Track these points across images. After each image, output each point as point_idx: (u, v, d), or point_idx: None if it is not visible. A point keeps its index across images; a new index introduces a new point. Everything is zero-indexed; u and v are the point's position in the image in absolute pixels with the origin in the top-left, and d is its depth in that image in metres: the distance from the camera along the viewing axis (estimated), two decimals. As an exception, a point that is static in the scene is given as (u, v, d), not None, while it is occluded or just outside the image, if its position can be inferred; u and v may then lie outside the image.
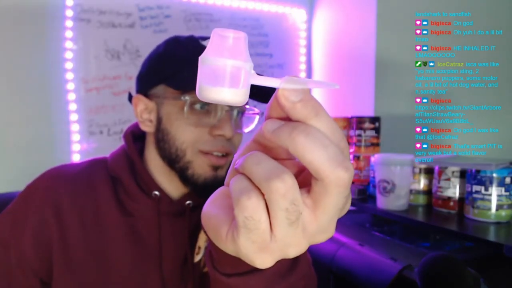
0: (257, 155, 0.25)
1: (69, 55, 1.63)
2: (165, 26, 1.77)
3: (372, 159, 1.25)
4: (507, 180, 0.96)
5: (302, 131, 0.23)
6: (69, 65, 1.63)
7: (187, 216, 0.65)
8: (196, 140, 0.61)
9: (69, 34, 1.62)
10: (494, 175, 0.95)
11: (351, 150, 1.38)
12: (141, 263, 0.61)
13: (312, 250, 1.09)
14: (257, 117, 0.67)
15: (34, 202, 0.62)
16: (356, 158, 1.34)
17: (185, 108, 0.60)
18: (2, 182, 1.50)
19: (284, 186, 0.23)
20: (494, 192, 0.95)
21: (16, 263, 0.58)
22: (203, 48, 0.61)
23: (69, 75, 1.64)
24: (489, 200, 0.96)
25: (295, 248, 0.25)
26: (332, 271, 0.98)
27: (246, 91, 0.26)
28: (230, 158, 0.64)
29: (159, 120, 0.63)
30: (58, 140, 1.64)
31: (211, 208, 0.29)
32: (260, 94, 0.63)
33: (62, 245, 0.59)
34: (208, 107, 0.61)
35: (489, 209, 0.96)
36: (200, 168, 0.61)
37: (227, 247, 0.26)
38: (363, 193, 1.27)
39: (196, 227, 0.66)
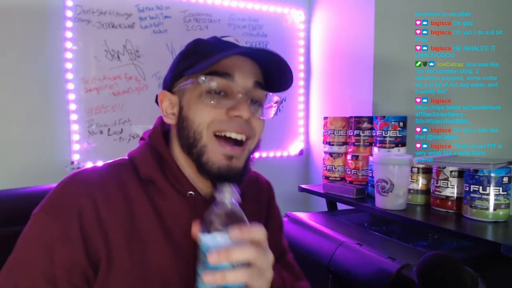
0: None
1: (69, 55, 1.63)
2: (164, 26, 1.78)
3: (371, 158, 1.25)
4: (505, 179, 0.96)
5: None
6: (69, 65, 1.64)
7: None
8: (212, 120, 0.61)
9: (69, 34, 1.63)
10: (492, 174, 0.96)
11: (350, 150, 1.38)
12: (180, 266, 0.61)
13: (311, 250, 1.10)
14: (276, 104, 0.69)
15: (73, 208, 0.58)
16: (355, 157, 1.35)
17: (203, 89, 0.61)
18: (2, 181, 1.51)
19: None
20: (492, 191, 0.96)
21: (64, 266, 0.56)
22: (223, 42, 0.65)
23: (69, 75, 1.64)
24: (487, 200, 0.96)
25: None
26: (331, 270, 0.99)
27: None
28: (249, 144, 0.64)
29: (180, 110, 0.64)
30: (58, 140, 1.65)
31: None
32: (276, 86, 0.68)
33: (106, 251, 0.58)
34: (226, 91, 0.62)
35: (487, 208, 0.96)
36: (214, 155, 0.61)
37: None
38: (362, 192, 1.27)
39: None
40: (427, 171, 1.14)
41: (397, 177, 1.08)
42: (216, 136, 0.61)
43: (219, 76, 0.61)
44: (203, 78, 0.60)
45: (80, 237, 0.56)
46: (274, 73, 0.65)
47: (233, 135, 0.61)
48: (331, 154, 1.44)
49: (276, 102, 0.69)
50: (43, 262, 0.55)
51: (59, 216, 0.57)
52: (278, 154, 2.07)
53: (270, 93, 0.67)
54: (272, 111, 0.69)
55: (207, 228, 0.51)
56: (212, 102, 0.61)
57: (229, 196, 0.53)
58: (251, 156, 0.66)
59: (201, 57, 0.62)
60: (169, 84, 0.67)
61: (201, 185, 0.65)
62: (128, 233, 0.59)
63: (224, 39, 0.67)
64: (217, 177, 0.61)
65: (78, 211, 0.57)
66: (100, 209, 0.58)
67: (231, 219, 0.51)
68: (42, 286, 0.54)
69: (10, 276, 0.55)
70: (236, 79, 0.62)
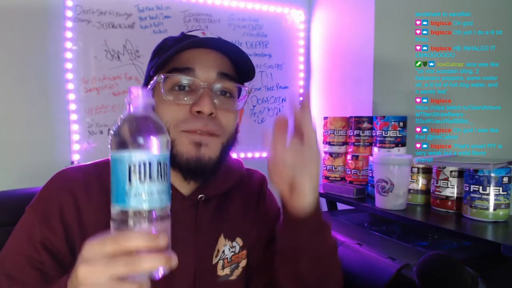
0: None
1: (69, 55, 1.64)
2: (164, 26, 1.78)
3: (371, 158, 1.25)
4: (505, 179, 0.96)
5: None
6: (69, 65, 1.64)
7: (199, 210, 0.66)
8: (177, 119, 0.60)
9: (69, 34, 1.63)
10: (492, 174, 0.95)
11: (350, 150, 1.39)
12: None
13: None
14: (245, 94, 0.68)
15: (55, 202, 0.61)
16: (355, 157, 1.35)
17: (162, 88, 0.60)
18: (3, 180, 1.51)
19: None
20: (492, 191, 0.96)
21: (47, 251, 0.58)
22: (187, 37, 0.64)
23: (69, 75, 1.64)
24: (487, 200, 0.96)
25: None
26: (331, 270, 0.99)
27: None
28: (221, 137, 0.63)
29: (152, 110, 0.65)
30: (58, 140, 1.65)
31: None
32: (246, 76, 0.67)
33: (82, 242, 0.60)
34: (189, 86, 0.61)
35: (487, 208, 0.96)
36: (183, 146, 0.60)
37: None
38: (362, 192, 1.27)
39: (212, 220, 0.67)
40: (427, 171, 1.14)
41: (397, 177, 1.08)
42: (183, 131, 0.61)
43: (179, 72, 0.61)
44: (161, 76, 0.61)
45: (61, 227, 0.59)
46: (240, 62, 0.64)
47: (198, 133, 0.61)
48: (331, 154, 1.44)
49: (246, 93, 0.68)
50: (27, 249, 0.58)
51: (41, 209, 0.61)
52: (278, 154, 2.07)
53: (238, 84, 0.65)
54: (242, 103, 0.68)
55: (126, 143, 0.42)
56: (173, 99, 0.60)
57: (140, 98, 0.44)
58: (227, 150, 0.65)
59: (162, 55, 0.62)
60: (145, 85, 0.68)
61: (179, 183, 0.65)
62: (106, 228, 0.60)
63: (190, 33, 0.66)
64: (187, 169, 0.61)
65: (59, 205, 0.60)
66: (80, 205, 0.61)
67: (148, 126, 0.43)
68: (31, 272, 0.56)
69: (1, 268, 0.58)
70: (197, 73, 0.61)
